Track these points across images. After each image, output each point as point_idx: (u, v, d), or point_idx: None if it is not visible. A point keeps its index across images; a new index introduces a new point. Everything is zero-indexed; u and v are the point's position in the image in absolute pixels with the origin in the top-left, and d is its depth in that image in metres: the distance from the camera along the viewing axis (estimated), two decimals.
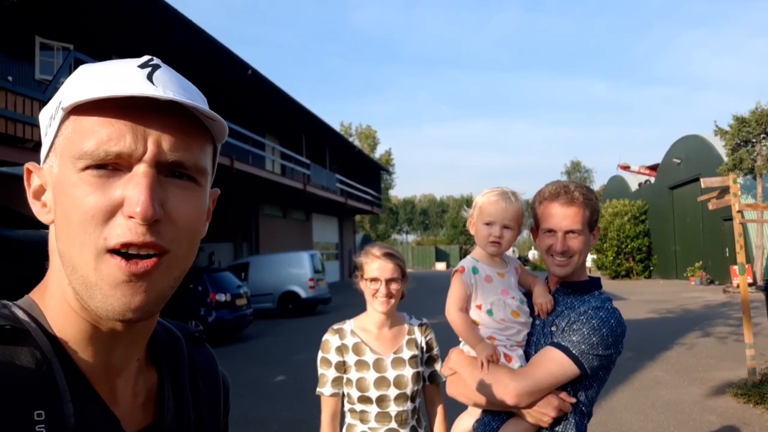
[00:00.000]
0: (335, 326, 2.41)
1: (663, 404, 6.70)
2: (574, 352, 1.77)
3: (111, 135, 0.63)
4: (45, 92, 11.06)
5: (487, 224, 1.93)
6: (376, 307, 2.32)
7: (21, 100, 10.33)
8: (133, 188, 0.62)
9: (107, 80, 0.64)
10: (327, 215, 34.19)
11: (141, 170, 0.63)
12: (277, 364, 9.93)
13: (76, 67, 12.17)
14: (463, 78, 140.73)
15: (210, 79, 18.82)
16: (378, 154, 64.29)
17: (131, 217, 0.62)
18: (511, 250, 2.07)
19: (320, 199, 28.31)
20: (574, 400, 1.82)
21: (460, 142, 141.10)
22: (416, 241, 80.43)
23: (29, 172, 0.71)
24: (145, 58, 0.69)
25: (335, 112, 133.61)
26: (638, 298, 19.54)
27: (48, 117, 0.68)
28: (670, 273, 30.50)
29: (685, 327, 12.56)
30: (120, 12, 13.86)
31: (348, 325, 2.40)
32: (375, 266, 2.31)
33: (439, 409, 2.45)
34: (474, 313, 1.92)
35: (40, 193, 0.69)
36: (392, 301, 2.31)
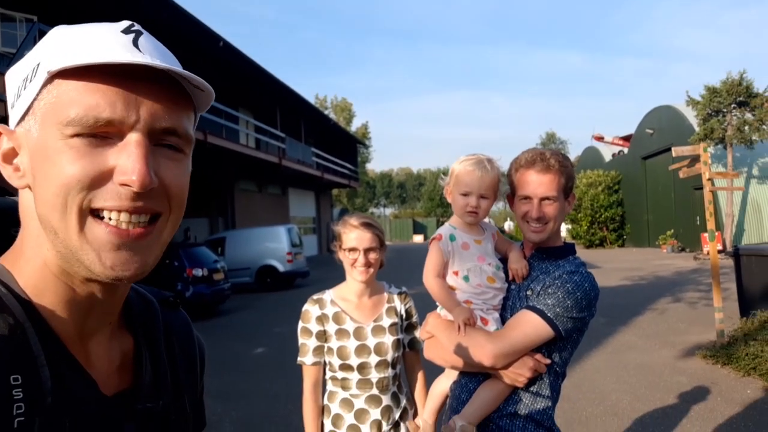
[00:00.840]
0: (315, 296, 2.42)
1: (635, 367, 6.90)
2: (548, 314, 1.81)
3: (101, 102, 0.61)
4: (9, 65, 10.71)
5: (464, 194, 1.95)
6: (355, 276, 2.33)
7: None
8: (128, 157, 0.62)
9: (92, 45, 0.63)
10: (303, 189, 34.01)
11: (134, 138, 0.63)
12: (256, 337, 9.96)
13: (40, 38, 11.81)
14: (440, 51, 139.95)
15: (181, 51, 18.32)
16: (354, 127, 63.86)
17: (125, 185, 0.62)
18: (486, 220, 2.10)
19: (296, 173, 28.13)
20: (548, 361, 1.87)
21: (437, 115, 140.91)
22: (394, 214, 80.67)
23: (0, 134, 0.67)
24: (126, 23, 0.67)
25: (311, 87, 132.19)
26: (612, 266, 19.95)
27: (21, 78, 0.66)
28: (642, 242, 31.12)
29: (657, 293, 12.88)
30: None
31: (327, 295, 2.42)
32: (353, 236, 2.32)
33: (419, 375, 2.50)
34: (451, 279, 1.95)
35: (11, 156, 0.66)
36: (371, 270, 2.33)
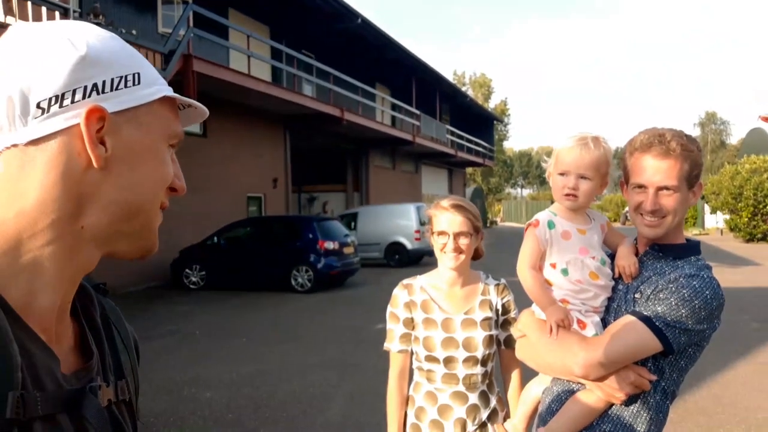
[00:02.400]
0: (405, 281, 2.32)
1: None
2: (657, 323, 1.55)
3: (178, 119, 0.80)
4: (165, 45, 11.67)
5: (562, 174, 1.72)
6: (445, 262, 2.20)
7: (144, 53, 10.96)
8: (179, 170, 0.80)
9: (150, 70, 0.77)
10: (436, 167, 34.00)
11: (174, 154, 0.80)
12: (378, 312, 10.12)
13: (194, 20, 12.72)
14: (591, 25, 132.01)
15: (320, 29, 19.00)
16: (492, 104, 62.49)
17: (175, 190, 0.79)
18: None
19: (429, 151, 28.13)
20: (655, 377, 1.62)
21: (584, 91, 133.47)
22: (531, 195, 78.12)
23: (100, 112, 0.69)
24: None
25: (451, 62, 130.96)
26: None
27: (116, 74, 0.72)
28: None
29: None
30: None
31: (418, 281, 2.31)
32: (443, 219, 2.18)
33: (514, 376, 2.30)
34: (547, 272, 1.74)
35: (100, 138, 0.70)
36: (462, 256, 2.18)
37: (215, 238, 13.65)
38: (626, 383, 1.59)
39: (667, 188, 1.62)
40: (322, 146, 22.43)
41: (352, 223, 17.96)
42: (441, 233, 2.18)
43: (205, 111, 0.83)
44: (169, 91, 0.77)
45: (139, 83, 0.73)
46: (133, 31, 11.44)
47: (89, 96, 0.68)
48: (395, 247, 17.84)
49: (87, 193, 0.70)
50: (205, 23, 13.27)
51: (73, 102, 0.67)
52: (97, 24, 10.43)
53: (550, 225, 1.74)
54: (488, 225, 48.45)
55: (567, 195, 1.72)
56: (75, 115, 0.67)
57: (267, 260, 13.09)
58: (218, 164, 15.62)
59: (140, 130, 0.73)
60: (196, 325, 9.36)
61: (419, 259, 18.18)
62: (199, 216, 14.49)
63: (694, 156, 1.63)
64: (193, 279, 13.38)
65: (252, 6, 17.06)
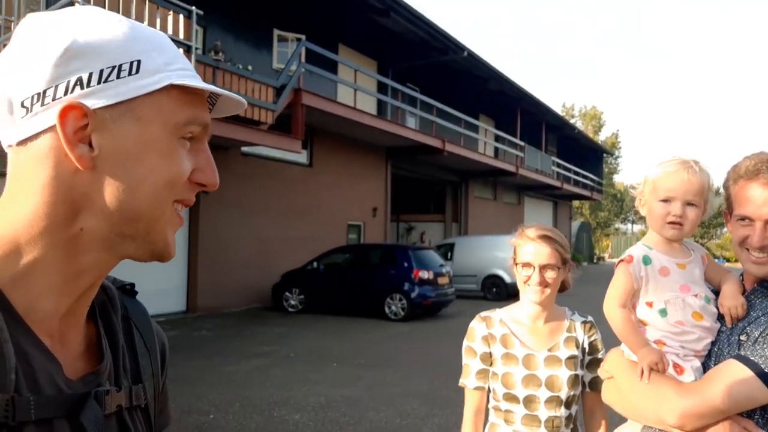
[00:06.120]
0: (483, 314, 2.25)
1: None
2: (766, 369, 1.39)
3: (202, 106, 0.70)
4: (278, 79, 12.35)
5: (665, 201, 1.58)
6: (529, 296, 2.10)
7: (258, 87, 11.66)
8: (206, 162, 0.71)
9: (172, 50, 0.71)
10: (540, 199, 33.10)
11: (206, 145, 0.72)
12: None
13: (306, 55, 13.39)
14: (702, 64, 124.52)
15: (426, 62, 19.32)
16: (603, 136, 60.28)
17: (203, 185, 0.71)
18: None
19: (533, 183, 27.50)
20: None
21: (700, 119, 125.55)
22: (642, 231, 73.89)
23: (79, 109, 0.63)
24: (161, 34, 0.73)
25: (558, 94, 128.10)
26: None
27: (108, 64, 0.64)
28: None
29: None
30: (345, 3, 14.87)
31: (498, 314, 2.22)
32: (529, 249, 2.08)
33: (601, 421, 2.14)
34: (643, 312, 1.61)
35: (85, 136, 0.64)
36: (547, 290, 2.07)
37: (315, 264, 14.02)
38: None
39: None
40: (423, 176, 22.59)
41: (449, 254, 17.79)
42: (526, 265, 2.09)
43: (241, 101, 0.74)
44: (180, 79, 0.67)
45: (137, 72, 0.66)
46: (249, 67, 12.21)
47: (72, 91, 0.63)
48: (493, 280, 17.44)
49: (80, 195, 0.65)
50: (316, 58, 13.94)
51: (54, 99, 0.63)
52: (216, 60, 11.21)
53: (646, 261, 1.61)
54: (596, 261, 46.31)
55: (672, 223, 1.58)
56: (55, 114, 0.63)
57: (362, 287, 13.27)
58: (321, 192, 16.17)
59: (137, 125, 0.66)
60: (291, 347, 9.61)
61: (518, 293, 17.62)
62: (302, 241, 15.06)
63: None
64: (293, 302, 13.77)
65: (361, 41, 17.70)
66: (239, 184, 13.36)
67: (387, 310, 12.96)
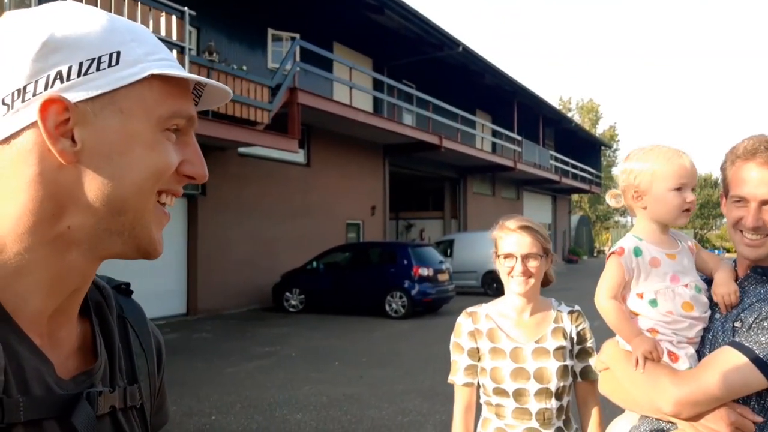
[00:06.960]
0: (469, 309, 2.22)
1: None
2: (760, 355, 1.38)
3: (186, 98, 0.70)
4: (273, 79, 12.33)
5: (678, 189, 1.56)
6: (513, 287, 2.08)
7: (254, 87, 11.65)
8: (194, 155, 0.71)
9: (154, 43, 0.70)
10: (539, 193, 33.11)
11: (193, 137, 0.72)
12: None
13: (301, 54, 13.37)
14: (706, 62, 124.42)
15: (421, 58, 19.31)
16: (601, 129, 60.28)
17: (191, 177, 0.71)
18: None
19: (531, 177, 27.51)
20: (760, 419, 1.43)
21: (703, 112, 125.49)
22: None
23: (60, 102, 0.62)
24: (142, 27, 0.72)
25: (557, 88, 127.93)
26: None
27: (86, 57, 0.64)
28: None
29: None
30: (339, 0, 14.84)
31: (483, 308, 2.20)
32: (510, 240, 2.07)
33: (593, 411, 2.12)
34: (633, 303, 1.60)
35: (67, 131, 0.64)
36: (531, 280, 2.05)
37: (315, 263, 14.03)
38: (724, 424, 1.42)
39: None
40: (421, 173, 22.61)
41: (449, 250, 17.81)
42: (508, 256, 2.07)
43: (226, 90, 0.74)
44: (160, 68, 0.67)
45: (117, 64, 0.65)
46: (244, 67, 12.19)
47: (52, 86, 0.63)
48: (493, 275, 17.36)
49: (66, 191, 0.64)
50: (311, 57, 13.92)
51: (35, 94, 0.62)
52: (211, 61, 11.19)
53: (637, 252, 1.60)
54: (596, 254, 46.35)
55: (687, 210, 1.58)
56: (36, 109, 0.62)
57: (363, 285, 13.29)
58: (320, 191, 16.18)
59: (119, 117, 0.66)
60: (292, 347, 9.62)
61: None
62: (301, 241, 15.06)
63: None
64: (293, 302, 13.78)
65: (356, 39, 17.68)
66: (237, 185, 13.37)
67: (387, 308, 12.97)
